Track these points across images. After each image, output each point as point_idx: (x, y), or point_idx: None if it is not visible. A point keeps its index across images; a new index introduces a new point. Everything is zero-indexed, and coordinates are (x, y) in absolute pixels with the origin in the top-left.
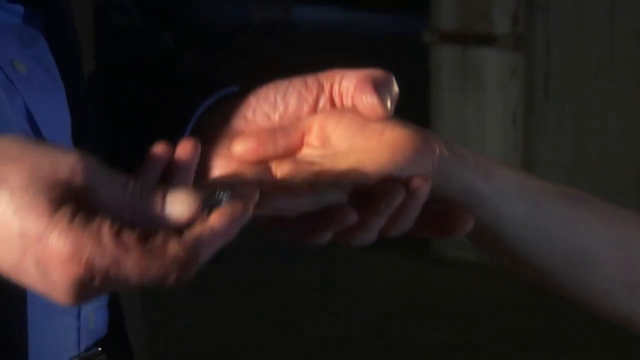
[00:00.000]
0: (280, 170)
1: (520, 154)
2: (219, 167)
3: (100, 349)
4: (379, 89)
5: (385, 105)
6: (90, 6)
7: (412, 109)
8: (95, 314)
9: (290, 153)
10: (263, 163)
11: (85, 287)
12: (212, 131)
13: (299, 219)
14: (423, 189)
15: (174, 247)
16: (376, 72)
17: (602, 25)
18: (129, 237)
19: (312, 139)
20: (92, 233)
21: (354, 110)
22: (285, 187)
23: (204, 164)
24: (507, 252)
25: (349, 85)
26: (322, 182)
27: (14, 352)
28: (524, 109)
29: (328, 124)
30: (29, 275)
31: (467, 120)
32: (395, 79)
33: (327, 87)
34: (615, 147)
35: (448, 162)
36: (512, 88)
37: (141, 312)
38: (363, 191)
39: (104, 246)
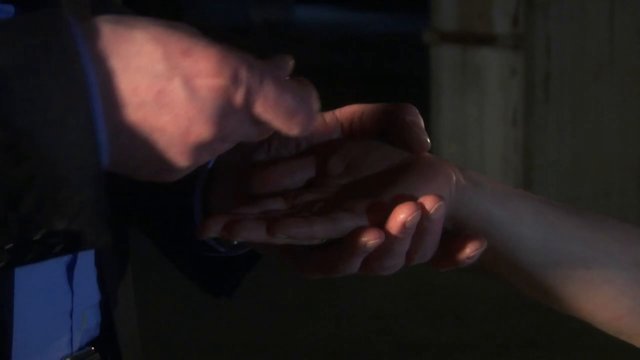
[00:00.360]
0: (297, 200)
1: (520, 154)
2: (237, 200)
3: (93, 348)
4: (421, 125)
5: (428, 141)
6: (84, 6)
7: None
8: (88, 314)
9: (309, 182)
10: (280, 194)
11: (226, 109)
12: (230, 166)
13: (324, 251)
14: (438, 207)
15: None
16: (405, 107)
17: (602, 25)
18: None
19: (336, 164)
20: (236, 51)
21: (378, 139)
22: (300, 215)
23: (224, 197)
24: (525, 279)
25: (372, 119)
26: (336, 209)
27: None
28: (524, 109)
29: (354, 150)
30: (175, 101)
31: (467, 120)
32: (395, 79)
33: (345, 123)
34: (615, 147)
35: (464, 188)
36: (512, 88)
37: (135, 314)
38: (381, 216)
39: (248, 60)
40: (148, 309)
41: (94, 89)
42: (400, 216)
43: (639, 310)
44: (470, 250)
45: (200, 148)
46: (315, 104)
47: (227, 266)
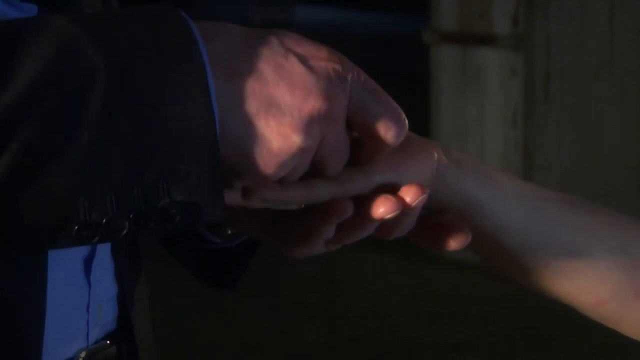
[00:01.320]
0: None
1: (520, 154)
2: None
3: (108, 342)
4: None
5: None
6: (101, 5)
7: (412, 109)
8: (104, 308)
9: None
10: None
11: (338, 89)
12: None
13: (299, 220)
14: (421, 200)
15: None
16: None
17: (602, 25)
18: None
19: None
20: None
21: None
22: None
23: None
24: (508, 260)
25: None
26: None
27: (27, 345)
28: (524, 109)
29: None
30: (293, 73)
31: (467, 120)
32: (395, 79)
33: None
34: (615, 147)
35: (446, 168)
36: (512, 88)
37: (148, 310)
38: (358, 187)
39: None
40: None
41: (207, 66)
42: (380, 210)
43: (623, 296)
44: (454, 244)
45: (312, 122)
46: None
47: (227, 259)
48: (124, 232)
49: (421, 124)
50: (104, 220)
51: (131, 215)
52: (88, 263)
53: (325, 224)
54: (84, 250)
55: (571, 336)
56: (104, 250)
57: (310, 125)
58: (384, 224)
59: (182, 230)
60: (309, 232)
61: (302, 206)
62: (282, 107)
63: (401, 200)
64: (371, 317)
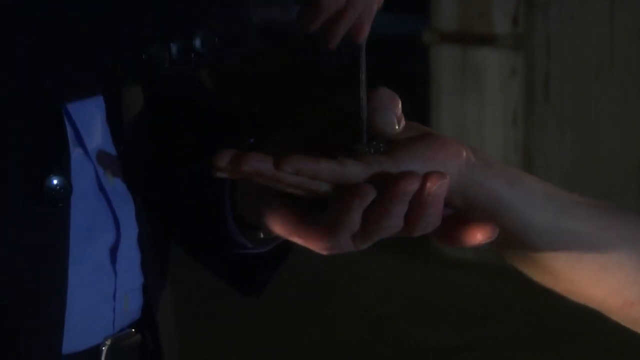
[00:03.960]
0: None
1: (520, 154)
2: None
3: (133, 330)
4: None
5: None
6: None
7: (412, 109)
8: (130, 297)
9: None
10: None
11: None
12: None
13: (324, 212)
14: (441, 184)
15: None
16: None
17: (602, 25)
18: None
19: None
20: None
21: None
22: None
23: (252, 191)
24: (535, 261)
25: None
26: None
27: (52, 331)
28: (524, 109)
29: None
30: None
31: (467, 120)
32: (395, 79)
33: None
34: (615, 147)
35: (475, 168)
36: (512, 88)
37: (173, 303)
38: (385, 174)
39: None
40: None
41: None
42: (402, 182)
43: None
44: (481, 236)
45: None
46: None
47: (256, 265)
48: (167, 63)
49: (421, 123)
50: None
51: (173, 45)
52: (113, 252)
53: (348, 209)
54: (109, 239)
55: (572, 337)
56: (129, 242)
57: None
58: (408, 215)
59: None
60: (333, 224)
61: (330, 189)
62: None
63: (421, 178)
64: (371, 317)
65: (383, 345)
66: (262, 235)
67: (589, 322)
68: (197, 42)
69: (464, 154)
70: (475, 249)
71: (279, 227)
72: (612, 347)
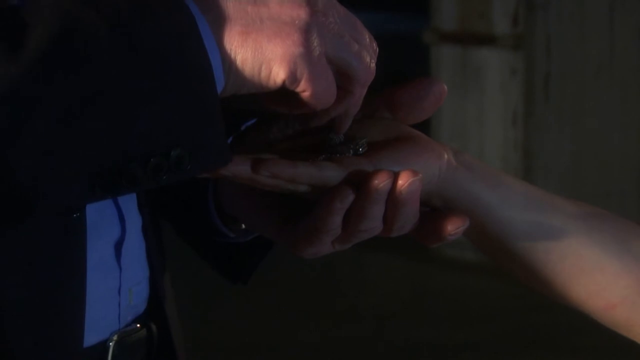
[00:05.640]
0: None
1: (520, 154)
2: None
3: (138, 325)
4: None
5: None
6: None
7: None
8: (134, 290)
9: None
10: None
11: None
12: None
13: (306, 217)
14: (412, 182)
15: None
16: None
17: (602, 25)
18: None
19: (335, 136)
20: None
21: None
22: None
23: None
24: (517, 263)
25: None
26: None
27: (69, 328)
28: (524, 109)
29: (353, 125)
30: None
31: (467, 120)
32: (395, 79)
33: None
34: (615, 147)
35: (455, 170)
36: (512, 88)
37: (174, 293)
38: (361, 177)
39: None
40: None
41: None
42: (374, 181)
43: (632, 300)
44: (451, 228)
45: (307, 31)
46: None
47: (241, 253)
48: (139, 181)
49: (421, 123)
50: (120, 167)
51: (146, 164)
52: (118, 247)
53: (329, 212)
54: (115, 234)
55: (571, 336)
56: (133, 235)
57: (306, 35)
58: (385, 215)
59: (194, 184)
60: (315, 228)
61: (309, 190)
62: (278, 23)
63: (394, 175)
64: (371, 317)
65: (383, 345)
66: (243, 226)
67: (589, 322)
68: (174, 157)
69: (445, 156)
70: (475, 249)
71: (260, 228)
72: (612, 347)
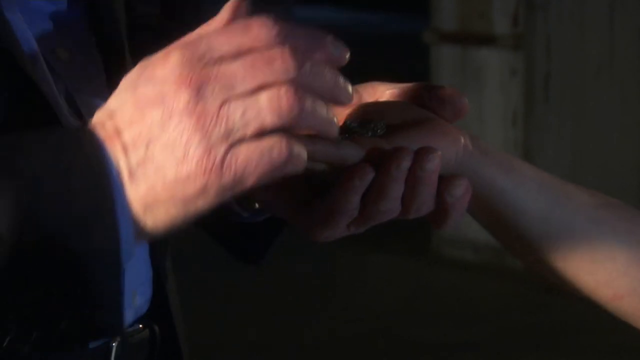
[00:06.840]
0: None
1: (520, 154)
2: None
3: (141, 326)
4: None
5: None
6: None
7: None
8: (138, 291)
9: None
10: None
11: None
12: None
13: (322, 199)
14: (432, 157)
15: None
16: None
17: (602, 25)
18: None
19: (351, 119)
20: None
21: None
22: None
23: None
24: (528, 247)
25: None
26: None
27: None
28: (524, 109)
29: (369, 107)
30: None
31: (467, 120)
32: (396, 78)
33: (368, 98)
34: (615, 147)
35: (472, 154)
36: (512, 88)
37: (176, 291)
38: (379, 157)
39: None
40: None
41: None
42: (394, 158)
43: None
44: (452, 187)
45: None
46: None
47: (254, 233)
48: (26, 350)
49: None
50: (6, 341)
51: (34, 335)
52: None
53: (348, 190)
54: None
55: (571, 336)
56: None
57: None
58: (404, 195)
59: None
60: (332, 209)
61: (327, 169)
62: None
63: (413, 152)
64: (371, 317)
65: (383, 344)
66: (257, 206)
67: (589, 321)
68: (62, 327)
69: (462, 140)
70: (475, 249)
71: (276, 210)
72: (612, 347)
